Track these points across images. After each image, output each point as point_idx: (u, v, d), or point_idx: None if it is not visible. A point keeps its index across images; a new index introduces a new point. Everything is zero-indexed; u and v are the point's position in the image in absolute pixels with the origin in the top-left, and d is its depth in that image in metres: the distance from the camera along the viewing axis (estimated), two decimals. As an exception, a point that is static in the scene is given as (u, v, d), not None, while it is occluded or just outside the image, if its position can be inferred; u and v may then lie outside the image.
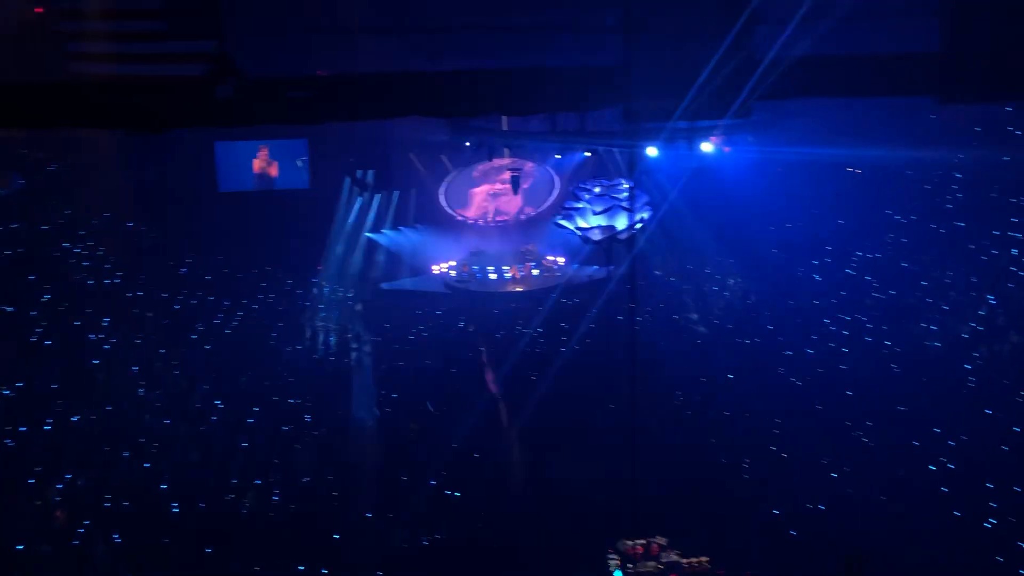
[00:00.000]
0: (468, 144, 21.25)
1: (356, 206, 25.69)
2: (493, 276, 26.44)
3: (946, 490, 14.79)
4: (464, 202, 27.57)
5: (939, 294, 19.97)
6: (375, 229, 26.48)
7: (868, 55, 5.71)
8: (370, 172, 25.23)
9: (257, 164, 24.78)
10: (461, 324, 22.92)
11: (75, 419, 16.25)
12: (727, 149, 24.63)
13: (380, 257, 26.46)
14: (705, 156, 25.03)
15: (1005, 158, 20.92)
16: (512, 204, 27.31)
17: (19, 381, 16.63)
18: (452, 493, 15.94)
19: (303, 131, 23.89)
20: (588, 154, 24.56)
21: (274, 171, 24.98)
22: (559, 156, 24.27)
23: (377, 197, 26.26)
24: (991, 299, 18.97)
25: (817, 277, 22.31)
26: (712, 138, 20.81)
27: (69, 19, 5.59)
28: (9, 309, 18.12)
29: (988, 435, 15.77)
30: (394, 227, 26.81)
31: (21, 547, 13.12)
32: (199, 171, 24.06)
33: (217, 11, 4.98)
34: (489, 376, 20.47)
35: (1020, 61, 5.58)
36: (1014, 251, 19.46)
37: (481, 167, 26.70)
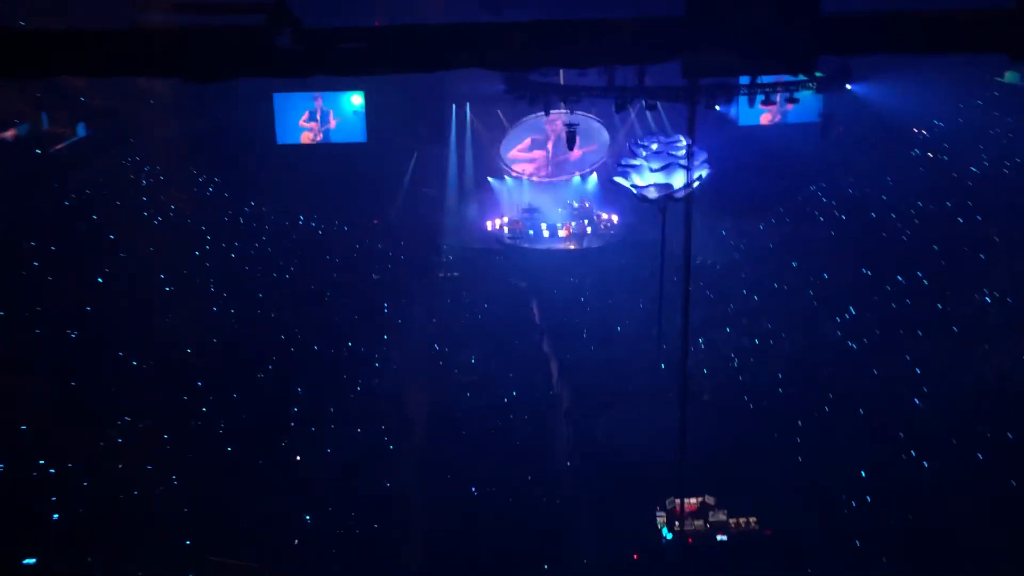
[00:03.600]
0: (519, 99, 21.11)
1: (413, 159, 25.80)
2: (546, 233, 26.43)
3: (1004, 459, 14.46)
4: (519, 157, 27.49)
5: (1002, 260, 19.45)
6: (428, 184, 26.57)
7: (938, 11, 5.48)
8: (426, 126, 25.23)
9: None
10: (514, 280, 22.96)
11: (134, 363, 16.65)
12: (790, 105, 24.21)
13: (435, 212, 26.57)
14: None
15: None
16: (567, 160, 27.16)
17: (83, 323, 17.06)
18: (503, 447, 16.05)
19: (360, 83, 24.01)
20: (650, 111, 24.29)
21: (331, 125, 25.21)
22: (620, 112, 23.98)
23: (432, 151, 26.44)
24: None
25: (878, 241, 21.88)
26: (775, 94, 20.42)
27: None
28: (73, 253, 18.56)
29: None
30: (452, 182, 26.83)
31: (86, 483, 13.53)
32: (257, 123, 24.36)
33: (277, -40, 4.97)
34: (540, 332, 20.52)
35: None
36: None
37: (536, 122, 26.55)
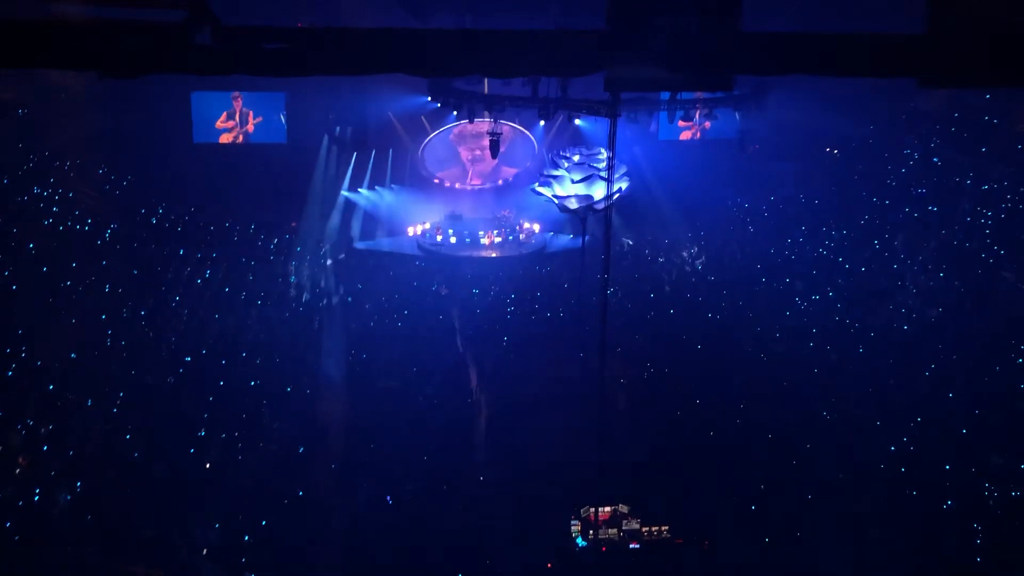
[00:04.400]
0: (443, 106, 21.09)
1: (333, 163, 25.59)
2: (468, 240, 26.44)
3: (904, 470, 15.03)
4: (442, 164, 27.46)
5: (909, 277, 20.21)
6: (352, 188, 26.41)
7: (853, 34, 5.69)
8: (348, 129, 25.10)
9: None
10: (434, 287, 22.90)
11: (39, 364, 16.10)
12: (707, 124, 24.79)
13: (356, 216, 26.45)
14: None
15: (983, 149, 21.14)
16: (490, 168, 27.25)
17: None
18: (420, 455, 15.96)
19: (281, 84, 23.68)
20: (580, 122, 24.53)
21: (250, 127, 24.79)
22: (543, 123, 24.12)
23: (355, 155, 26.16)
24: (959, 284, 19.20)
25: (791, 255, 22.50)
26: (693, 110, 20.88)
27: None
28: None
29: (948, 417, 16.02)
30: (371, 186, 26.72)
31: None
32: (174, 121, 23.81)
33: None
34: (459, 339, 20.52)
35: (1002, 47, 5.60)
36: (987, 239, 19.71)
37: (460, 130, 26.58)
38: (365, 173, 26.44)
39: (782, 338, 19.47)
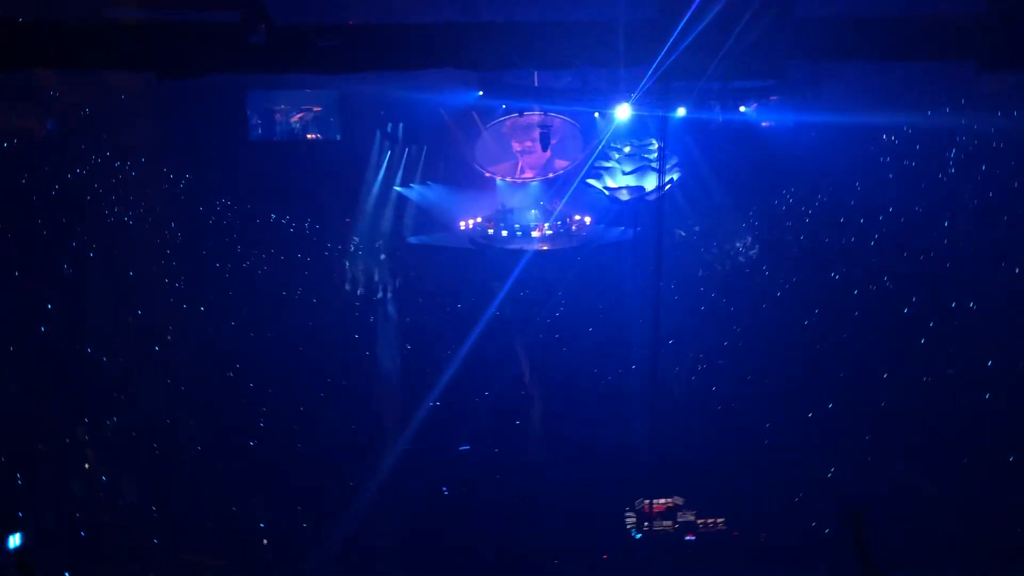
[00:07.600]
0: (493, 99, 21.07)
1: (385, 159, 25.73)
2: (519, 233, 26.42)
3: (966, 460, 14.71)
4: (493, 158, 27.45)
5: (968, 263, 19.73)
6: (404, 183, 26.54)
7: (908, 16, 5.55)
8: (400, 125, 25.25)
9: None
10: (486, 281, 22.96)
11: (104, 360, 16.49)
12: (759, 111, 24.34)
13: (409, 211, 26.57)
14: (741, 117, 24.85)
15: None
16: (541, 161, 27.17)
17: (51, 321, 16.87)
18: (475, 447, 16.06)
19: (334, 81, 23.87)
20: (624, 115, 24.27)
21: (307, 122, 25.06)
22: (598, 115, 23.87)
23: (407, 151, 26.28)
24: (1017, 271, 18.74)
25: (846, 242, 22.09)
26: (747, 99, 20.56)
27: (103, -39, 5.61)
28: (42, 251, 18.34)
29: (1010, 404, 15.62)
30: (423, 182, 26.83)
31: (53, 484, 13.41)
32: (230, 120, 24.15)
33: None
34: (512, 332, 20.54)
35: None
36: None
37: (511, 123, 26.54)
38: (417, 169, 26.55)
39: (838, 329, 19.15)
